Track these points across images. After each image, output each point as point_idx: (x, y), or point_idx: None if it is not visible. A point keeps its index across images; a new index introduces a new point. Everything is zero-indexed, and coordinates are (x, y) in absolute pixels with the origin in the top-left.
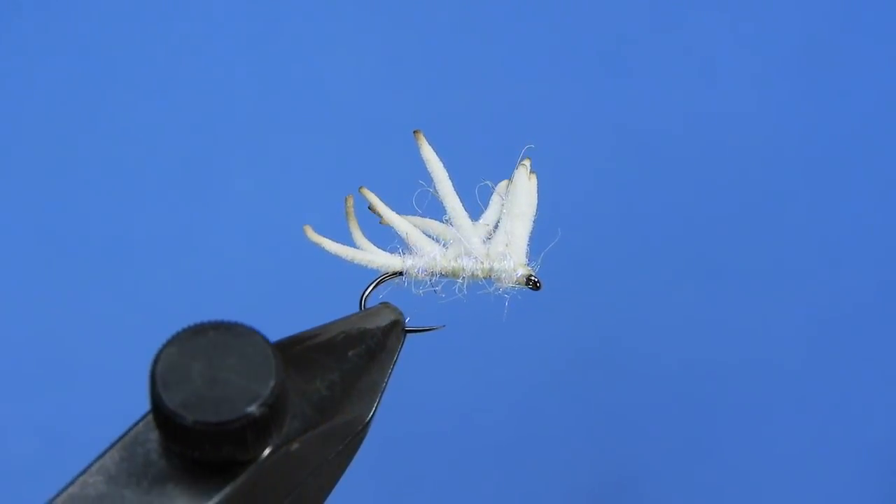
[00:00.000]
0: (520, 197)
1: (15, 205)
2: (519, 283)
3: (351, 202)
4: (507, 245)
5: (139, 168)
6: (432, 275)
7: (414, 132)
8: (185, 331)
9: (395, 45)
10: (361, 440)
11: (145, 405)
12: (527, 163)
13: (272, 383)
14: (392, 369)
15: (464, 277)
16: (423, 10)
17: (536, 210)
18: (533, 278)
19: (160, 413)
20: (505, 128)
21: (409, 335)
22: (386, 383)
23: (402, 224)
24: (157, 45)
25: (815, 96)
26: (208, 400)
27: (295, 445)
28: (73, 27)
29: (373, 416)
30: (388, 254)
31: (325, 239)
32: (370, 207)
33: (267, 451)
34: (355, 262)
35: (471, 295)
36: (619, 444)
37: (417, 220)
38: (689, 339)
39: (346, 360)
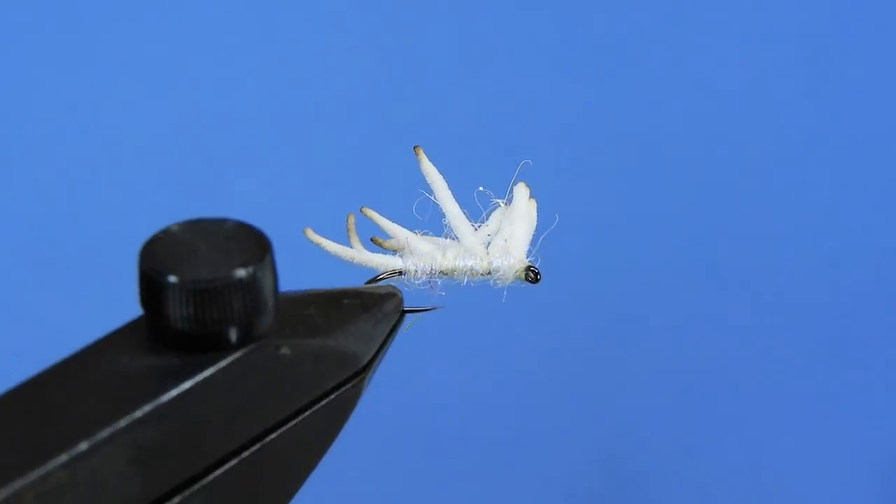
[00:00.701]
0: (520, 207)
1: (15, 203)
2: (518, 278)
3: (353, 220)
4: (506, 241)
5: (139, 168)
6: (432, 274)
7: (414, 148)
8: (179, 222)
9: (394, 46)
10: (354, 400)
11: None
12: (525, 190)
13: (264, 256)
14: (389, 338)
15: (463, 275)
16: (423, 11)
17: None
18: (533, 269)
19: (144, 279)
20: (505, 129)
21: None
22: (383, 347)
23: (402, 233)
24: (156, 45)
25: (815, 96)
26: (196, 264)
27: (284, 349)
28: (71, 26)
29: (369, 371)
30: (387, 255)
31: (324, 239)
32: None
33: (254, 345)
34: (355, 262)
35: (470, 291)
36: (619, 443)
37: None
38: (690, 338)
39: (341, 304)
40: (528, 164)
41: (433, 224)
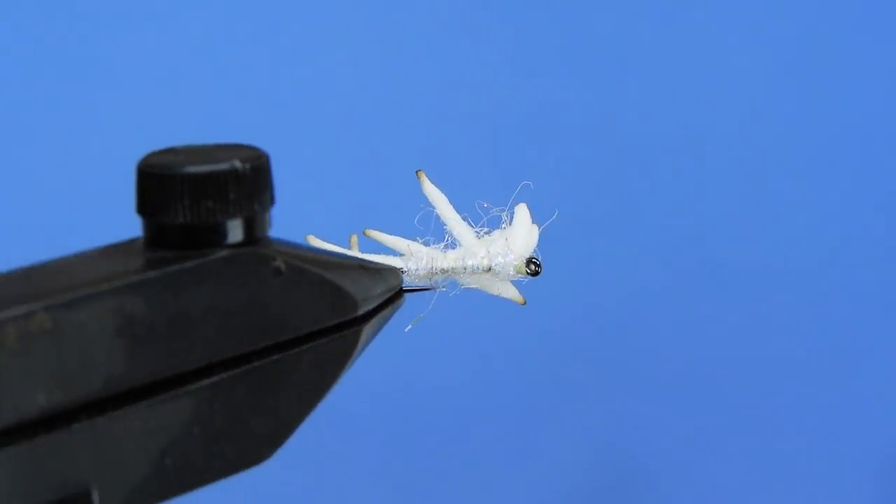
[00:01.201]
0: (522, 224)
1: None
2: (519, 272)
3: (355, 240)
4: (506, 239)
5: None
6: (432, 274)
7: (416, 172)
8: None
9: (395, 47)
10: (351, 350)
11: None
12: (526, 211)
13: (261, 159)
14: (387, 308)
15: (464, 274)
16: (421, 11)
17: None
18: (535, 261)
19: (142, 178)
20: (505, 130)
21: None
22: (381, 311)
23: (404, 241)
24: (155, 43)
25: (815, 97)
26: (193, 161)
27: (280, 262)
28: (69, 26)
29: (367, 325)
30: (389, 255)
31: (326, 244)
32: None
33: (248, 248)
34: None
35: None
36: (618, 440)
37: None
38: (690, 336)
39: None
40: (529, 186)
41: (436, 235)
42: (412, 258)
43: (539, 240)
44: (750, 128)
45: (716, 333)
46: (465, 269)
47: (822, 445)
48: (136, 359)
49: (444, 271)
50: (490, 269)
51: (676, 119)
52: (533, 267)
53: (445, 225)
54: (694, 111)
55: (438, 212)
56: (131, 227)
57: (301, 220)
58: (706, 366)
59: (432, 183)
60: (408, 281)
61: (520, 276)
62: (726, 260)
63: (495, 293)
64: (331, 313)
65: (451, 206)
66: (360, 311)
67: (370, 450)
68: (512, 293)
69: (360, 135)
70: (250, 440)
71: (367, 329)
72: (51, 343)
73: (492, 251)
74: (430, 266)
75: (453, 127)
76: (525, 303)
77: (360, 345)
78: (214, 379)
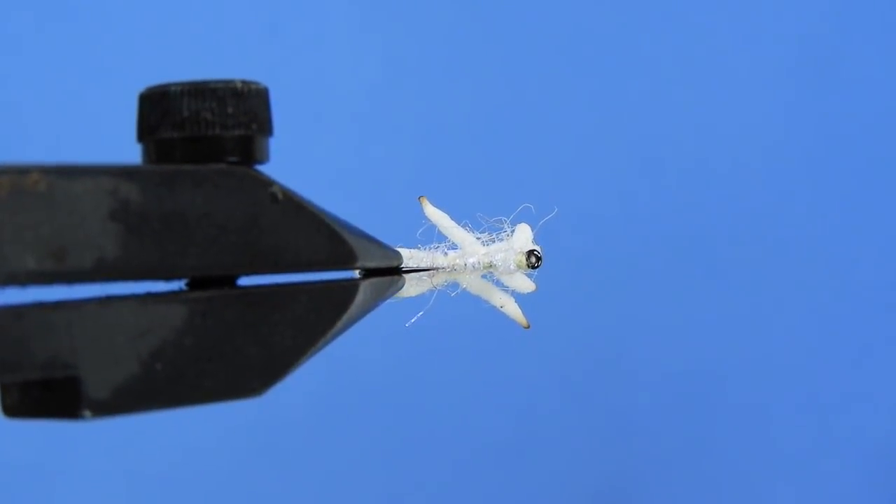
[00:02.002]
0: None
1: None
2: (521, 266)
3: None
4: (506, 238)
5: None
6: (433, 275)
7: (419, 199)
8: None
9: (394, 48)
10: (345, 303)
11: None
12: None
13: (260, 86)
14: (386, 287)
15: (464, 273)
16: (421, 14)
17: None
18: (536, 253)
19: (143, 101)
20: (504, 132)
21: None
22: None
23: (403, 251)
24: (152, 42)
25: (815, 98)
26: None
27: (276, 190)
28: (64, 26)
29: (364, 284)
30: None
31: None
32: None
33: (247, 168)
34: None
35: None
36: (619, 445)
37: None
38: (689, 338)
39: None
40: (530, 208)
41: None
42: (412, 258)
43: (539, 239)
44: (749, 128)
45: (716, 334)
46: (465, 266)
47: (821, 445)
48: (130, 247)
49: (445, 270)
50: (491, 264)
51: (675, 120)
52: (534, 259)
53: (448, 237)
54: (693, 112)
55: (440, 229)
56: None
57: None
58: (706, 366)
59: (434, 205)
60: (410, 280)
61: (521, 269)
62: (727, 260)
63: (498, 304)
64: (328, 257)
65: (453, 221)
66: (359, 265)
67: (370, 450)
68: (523, 284)
69: (358, 143)
70: (243, 367)
71: (366, 288)
72: (44, 207)
73: (492, 249)
74: (430, 264)
75: (452, 130)
76: (529, 326)
77: (356, 301)
78: (208, 293)
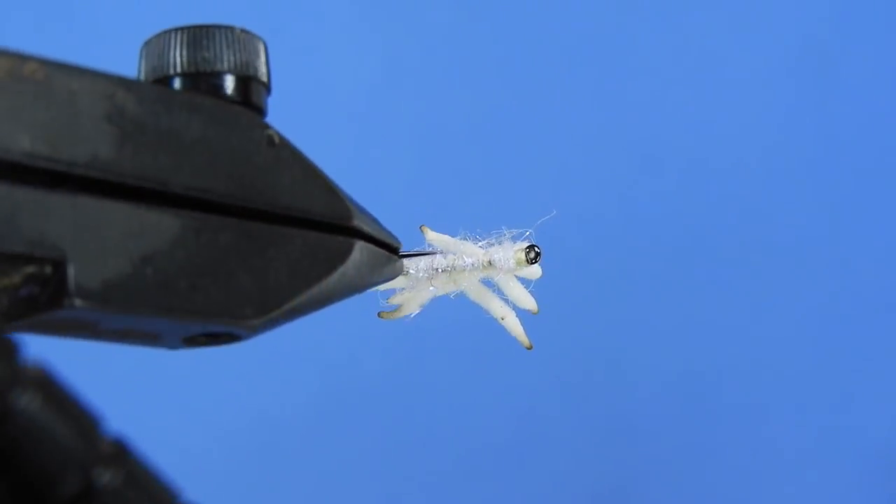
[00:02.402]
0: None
1: None
2: (520, 263)
3: None
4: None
5: None
6: (432, 276)
7: (420, 227)
8: None
9: (393, 50)
10: (338, 258)
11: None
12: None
13: (257, 37)
14: (385, 258)
15: (464, 274)
16: (418, 15)
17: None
18: (535, 247)
19: (144, 47)
20: (503, 134)
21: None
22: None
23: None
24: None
25: (815, 100)
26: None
27: (273, 133)
28: (64, 26)
29: (358, 245)
30: None
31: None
32: None
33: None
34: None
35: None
36: (619, 446)
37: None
38: (690, 340)
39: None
40: (530, 233)
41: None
42: (413, 261)
43: (539, 241)
44: (749, 132)
45: (715, 336)
46: (465, 266)
47: (821, 445)
48: (124, 151)
49: (444, 270)
50: (490, 262)
51: (675, 121)
52: (533, 253)
53: (449, 252)
54: (693, 113)
55: (443, 248)
56: None
57: None
58: (706, 368)
59: (433, 231)
60: (408, 284)
61: (521, 267)
62: (726, 262)
63: (499, 316)
64: (323, 209)
65: (453, 238)
66: (355, 224)
67: (370, 451)
68: (530, 272)
69: (357, 144)
70: (236, 293)
71: (362, 249)
72: (41, 95)
73: (492, 249)
74: (429, 265)
75: (452, 131)
76: (531, 347)
77: (352, 258)
78: (203, 215)
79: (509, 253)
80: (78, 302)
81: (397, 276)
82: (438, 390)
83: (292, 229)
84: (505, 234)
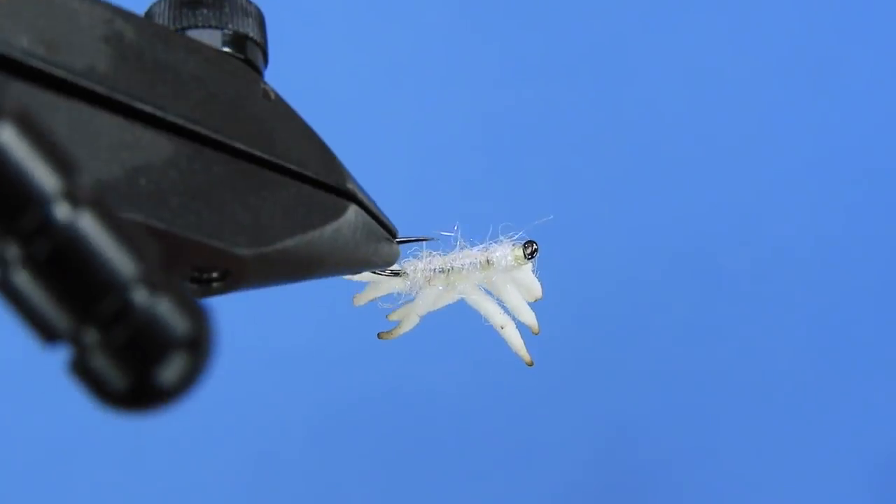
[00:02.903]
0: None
1: None
2: (518, 259)
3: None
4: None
5: None
6: (431, 277)
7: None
8: None
9: (393, 52)
10: (331, 216)
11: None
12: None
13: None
14: (382, 234)
15: (462, 273)
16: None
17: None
18: (532, 242)
19: (147, 12)
20: (500, 137)
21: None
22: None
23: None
24: None
25: (814, 101)
26: None
27: (269, 89)
28: None
29: (356, 201)
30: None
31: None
32: None
33: (242, 59)
34: (355, 279)
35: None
36: (619, 447)
37: None
38: (688, 339)
39: None
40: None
41: None
42: (410, 263)
43: (539, 241)
44: (749, 135)
45: (715, 337)
46: (462, 266)
47: (820, 446)
48: (122, 71)
49: (442, 271)
50: (489, 260)
51: (674, 122)
52: (531, 249)
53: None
54: (692, 115)
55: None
56: None
57: None
58: (704, 369)
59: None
60: (406, 286)
61: (520, 264)
62: (726, 263)
63: (499, 325)
64: (317, 166)
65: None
66: (350, 188)
67: (370, 450)
68: (527, 279)
69: (355, 145)
70: (229, 220)
71: (357, 214)
72: (42, 5)
73: (490, 248)
74: (427, 265)
75: (451, 133)
76: (532, 364)
77: (346, 217)
78: (197, 146)
79: (507, 250)
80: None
81: (394, 260)
82: (438, 390)
83: (287, 178)
84: (501, 239)
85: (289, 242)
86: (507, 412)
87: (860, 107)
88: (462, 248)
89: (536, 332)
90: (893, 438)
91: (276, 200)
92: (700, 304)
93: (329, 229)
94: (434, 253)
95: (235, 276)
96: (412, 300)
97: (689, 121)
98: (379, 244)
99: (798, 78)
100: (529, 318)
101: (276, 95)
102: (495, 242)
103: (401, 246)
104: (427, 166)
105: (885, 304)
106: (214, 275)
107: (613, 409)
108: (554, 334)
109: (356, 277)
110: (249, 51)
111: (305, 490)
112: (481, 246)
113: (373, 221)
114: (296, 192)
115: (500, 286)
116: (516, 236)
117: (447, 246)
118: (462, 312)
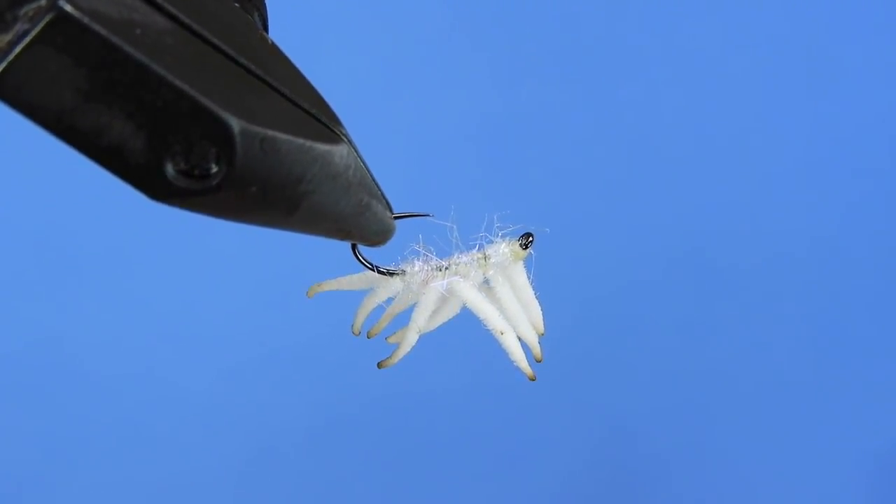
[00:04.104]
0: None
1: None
2: (515, 253)
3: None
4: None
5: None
6: (429, 277)
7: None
8: None
9: (391, 50)
10: (328, 139)
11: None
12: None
13: None
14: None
15: (460, 269)
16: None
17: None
18: (528, 233)
19: None
20: (500, 137)
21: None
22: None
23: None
24: None
25: (813, 103)
26: None
27: (266, 35)
28: None
29: (345, 142)
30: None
31: (325, 284)
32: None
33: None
34: (356, 286)
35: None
36: (618, 447)
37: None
38: (690, 345)
39: None
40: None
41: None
42: (408, 264)
43: (537, 242)
44: (747, 131)
45: (714, 336)
46: (458, 264)
47: (819, 445)
48: None
49: (440, 268)
50: (485, 255)
51: (674, 122)
52: (525, 239)
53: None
54: (692, 115)
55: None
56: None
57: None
58: (704, 368)
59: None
60: (407, 283)
61: (517, 257)
62: (726, 264)
63: (498, 330)
64: (311, 104)
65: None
66: (343, 132)
67: (368, 450)
68: (519, 275)
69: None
70: (221, 91)
71: (350, 153)
72: None
73: (486, 247)
74: (425, 264)
75: (451, 135)
76: (534, 378)
77: (339, 150)
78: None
79: (502, 245)
80: (68, 7)
81: (390, 231)
82: (438, 390)
83: (282, 97)
84: (497, 236)
85: (280, 136)
86: (507, 412)
87: (860, 107)
88: (457, 243)
89: (541, 332)
90: (892, 437)
91: (270, 103)
92: (699, 304)
93: (321, 148)
94: (431, 256)
95: (227, 171)
96: (408, 325)
97: (688, 120)
98: (373, 200)
99: (798, 78)
100: (524, 328)
101: (274, 43)
102: (491, 239)
103: (399, 246)
104: (426, 164)
105: (884, 304)
106: (207, 167)
107: (613, 409)
108: (553, 334)
109: (356, 283)
110: (254, 7)
111: (306, 490)
112: (477, 246)
113: (367, 173)
114: (289, 108)
115: (499, 291)
116: (512, 229)
117: (445, 243)
118: (461, 312)
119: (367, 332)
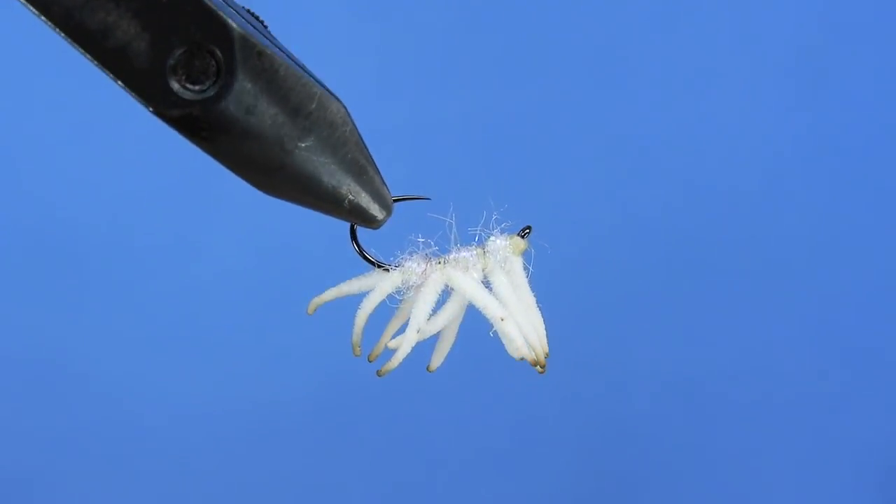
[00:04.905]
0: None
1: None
2: (516, 246)
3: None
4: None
5: (139, 176)
6: (428, 271)
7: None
8: None
9: (390, 50)
10: (327, 91)
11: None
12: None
13: None
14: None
15: (459, 266)
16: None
17: None
18: (528, 229)
19: None
20: (497, 139)
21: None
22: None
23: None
24: None
25: (813, 104)
26: None
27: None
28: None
29: (343, 120)
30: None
31: (325, 295)
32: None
33: None
34: (356, 290)
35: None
36: (618, 448)
37: None
38: (690, 345)
39: None
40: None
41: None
42: (406, 258)
43: (538, 241)
44: (748, 138)
45: (714, 338)
46: (457, 258)
47: (819, 446)
48: None
49: (438, 262)
50: (485, 249)
51: (675, 123)
52: (522, 231)
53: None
54: (692, 114)
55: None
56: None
57: (297, 236)
58: (704, 370)
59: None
60: (405, 278)
61: (517, 249)
62: (725, 264)
63: (498, 317)
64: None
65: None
66: (336, 97)
67: (367, 450)
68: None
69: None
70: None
71: (346, 111)
72: None
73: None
74: (424, 260)
75: (450, 135)
76: (544, 367)
77: (334, 103)
78: None
79: (500, 240)
80: None
81: (388, 207)
82: (438, 390)
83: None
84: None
85: (278, 61)
86: (507, 412)
87: (860, 107)
88: (455, 238)
89: (546, 351)
90: (893, 439)
91: (270, 40)
92: (699, 304)
93: (319, 91)
94: (430, 248)
95: (225, 81)
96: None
97: (689, 120)
98: (370, 167)
99: (798, 77)
100: (528, 328)
101: (272, 44)
102: (490, 234)
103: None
104: (425, 161)
105: (884, 304)
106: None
107: (612, 409)
108: (551, 333)
109: (355, 288)
110: None
111: (306, 490)
112: (476, 241)
113: (363, 146)
114: (288, 57)
115: (499, 286)
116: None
117: (443, 239)
118: (462, 323)
119: (368, 356)
